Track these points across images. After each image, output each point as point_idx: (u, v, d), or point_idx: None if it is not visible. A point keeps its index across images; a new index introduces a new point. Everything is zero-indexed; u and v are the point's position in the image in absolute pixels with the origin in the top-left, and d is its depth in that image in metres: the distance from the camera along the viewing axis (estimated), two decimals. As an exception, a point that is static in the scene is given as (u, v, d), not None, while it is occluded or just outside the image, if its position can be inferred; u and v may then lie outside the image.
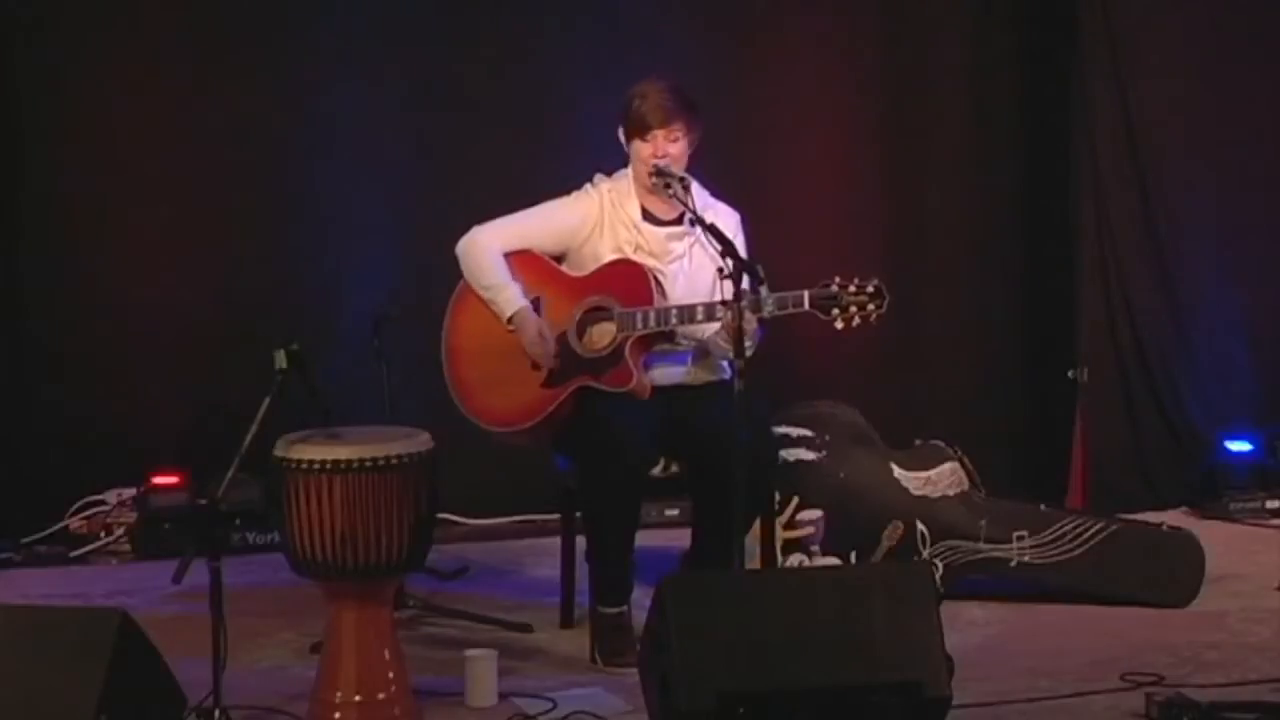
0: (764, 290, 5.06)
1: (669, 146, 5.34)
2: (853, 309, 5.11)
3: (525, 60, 6.89)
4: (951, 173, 7.22)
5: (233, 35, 6.75)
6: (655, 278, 5.31)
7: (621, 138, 5.41)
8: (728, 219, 5.40)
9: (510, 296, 5.36)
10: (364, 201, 6.85)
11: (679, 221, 5.41)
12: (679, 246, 5.42)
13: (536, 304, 5.38)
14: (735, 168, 6.54)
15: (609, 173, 5.49)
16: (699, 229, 5.19)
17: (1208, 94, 7.09)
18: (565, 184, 5.52)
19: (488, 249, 5.40)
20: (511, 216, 5.47)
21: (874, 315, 5.13)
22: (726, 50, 6.99)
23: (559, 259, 5.46)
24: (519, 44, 6.90)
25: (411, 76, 6.87)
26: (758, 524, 5.57)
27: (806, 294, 5.12)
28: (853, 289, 5.12)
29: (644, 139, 5.35)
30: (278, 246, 6.85)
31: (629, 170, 5.45)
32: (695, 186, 5.37)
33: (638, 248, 5.38)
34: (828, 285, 5.12)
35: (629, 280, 5.31)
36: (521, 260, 5.42)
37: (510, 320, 5.35)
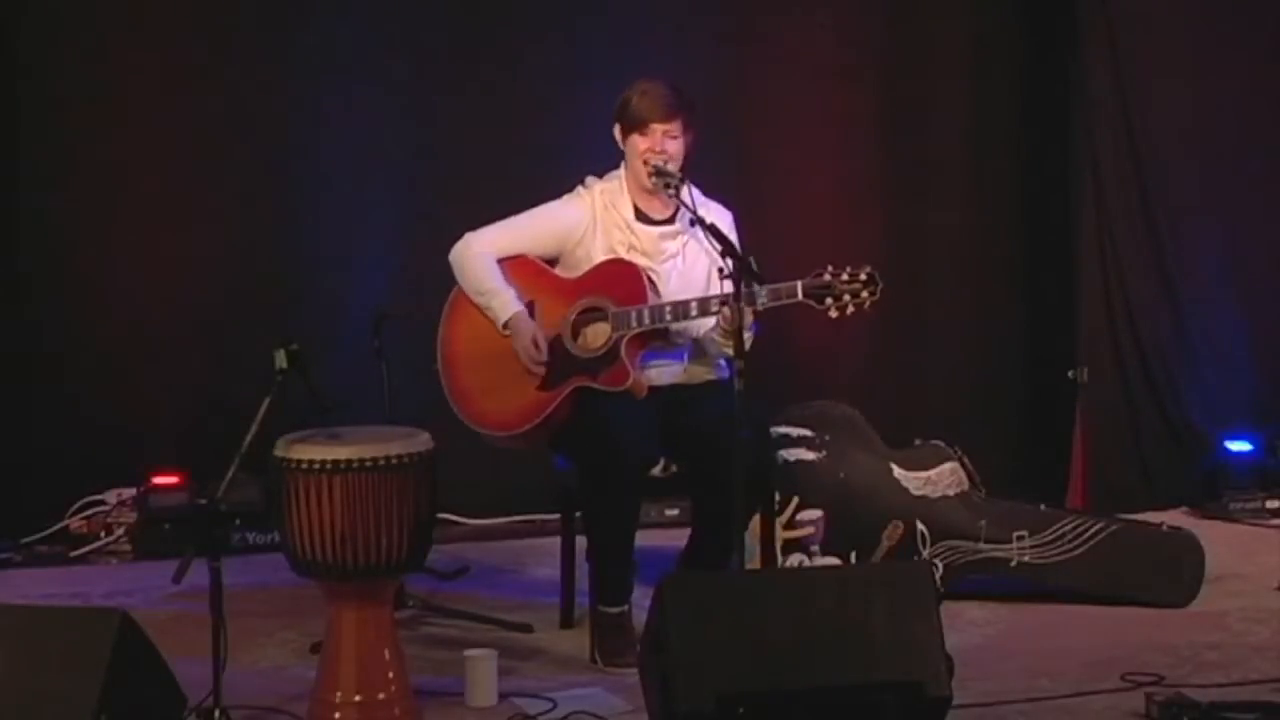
0: (756, 285, 5.06)
1: (667, 143, 5.33)
2: (846, 297, 5.11)
3: (525, 61, 6.89)
4: (951, 173, 7.22)
5: (233, 36, 6.76)
6: (649, 276, 5.31)
7: (617, 135, 5.41)
8: (720, 217, 5.39)
9: (505, 302, 5.35)
10: (364, 201, 6.85)
11: (672, 220, 5.41)
12: (672, 246, 5.42)
13: (531, 308, 5.37)
14: (735, 167, 6.55)
15: (600, 174, 5.49)
16: (696, 228, 5.18)
17: (1208, 94, 7.09)
18: (565, 185, 5.52)
19: (481, 254, 5.40)
20: (504, 222, 5.46)
21: (867, 302, 5.12)
22: (726, 49, 6.99)
23: (552, 262, 5.45)
24: (519, 45, 6.90)
25: (411, 78, 6.87)
26: (757, 524, 5.57)
27: (799, 284, 5.11)
28: (845, 277, 5.11)
29: (643, 134, 5.34)
30: (278, 246, 6.86)
31: (620, 171, 5.45)
32: (688, 186, 5.37)
33: (631, 248, 5.38)
34: (820, 274, 5.12)
35: (622, 280, 5.31)
36: (515, 264, 5.42)
37: (506, 326, 5.35)
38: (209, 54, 6.75)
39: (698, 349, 5.41)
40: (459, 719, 4.85)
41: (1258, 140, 7.16)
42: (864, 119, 7.17)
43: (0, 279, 6.65)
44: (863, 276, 5.11)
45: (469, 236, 5.44)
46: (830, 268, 5.12)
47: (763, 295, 5.09)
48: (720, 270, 4.93)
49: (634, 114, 5.35)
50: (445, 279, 5.51)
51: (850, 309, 5.13)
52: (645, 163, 5.33)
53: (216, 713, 4.47)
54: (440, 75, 6.89)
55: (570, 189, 5.49)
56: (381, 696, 4.68)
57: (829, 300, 5.11)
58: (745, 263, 4.96)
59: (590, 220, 5.40)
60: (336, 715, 4.67)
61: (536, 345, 5.30)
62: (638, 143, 5.35)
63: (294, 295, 6.79)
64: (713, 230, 5.04)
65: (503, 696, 4.91)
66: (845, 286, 5.11)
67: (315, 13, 6.82)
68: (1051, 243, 7.17)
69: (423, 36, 6.86)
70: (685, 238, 5.40)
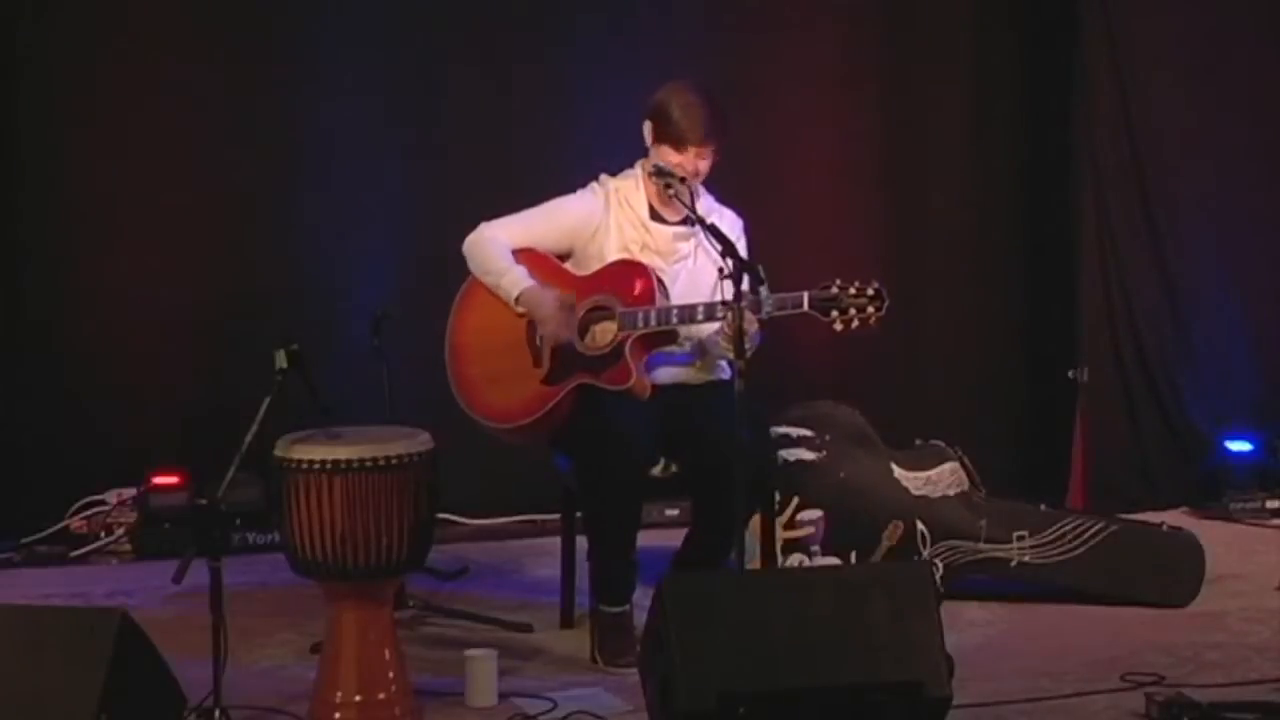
0: (764, 291, 5.05)
1: (699, 164, 5.34)
2: (852, 311, 5.09)
3: (526, 60, 6.89)
4: (951, 173, 7.22)
5: (233, 35, 6.75)
6: (658, 278, 5.31)
7: (647, 133, 5.38)
8: (732, 223, 5.41)
9: (516, 278, 5.34)
10: (364, 201, 6.85)
11: (686, 223, 5.40)
12: (685, 247, 5.41)
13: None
14: (735, 168, 6.52)
15: (614, 173, 5.48)
16: (701, 229, 5.18)
17: (1208, 93, 7.09)
18: (566, 184, 5.51)
19: (494, 240, 5.40)
20: (518, 214, 5.46)
21: (873, 318, 5.10)
22: (726, 50, 6.98)
23: (564, 257, 5.45)
24: (520, 43, 6.90)
25: (413, 77, 6.87)
26: (757, 524, 5.56)
27: (806, 295, 5.10)
28: (853, 291, 5.09)
29: (678, 150, 5.32)
30: (278, 246, 6.85)
31: (636, 170, 5.44)
32: (701, 190, 5.39)
33: (644, 246, 5.38)
34: (827, 287, 5.10)
35: (632, 280, 5.31)
36: (526, 258, 5.41)
37: (518, 300, 5.33)
38: (208, 54, 6.74)
39: (701, 351, 5.40)
40: (459, 719, 4.85)
41: (1258, 140, 7.16)
42: (864, 120, 7.17)
43: (0, 280, 6.65)
44: (870, 291, 5.09)
45: (483, 226, 5.44)
46: (838, 281, 5.10)
47: (769, 304, 5.09)
48: (720, 270, 4.93)
49: (674, 128, 5.30)
50: (446, 279, 5.52)
51: (855, 324, 5.10)
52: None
53: (216, 713, 4.47)
54: (441, 75, 6.88)
55: (575, 188, 5.49)
56: (381, 696, 4.68)
57: (834, 313, 5.09)
58: (747, 265, 4.97)
59: (604, 215, 5.40)
60: (336, 715, 4.67)
61: (563, 306, 5.26)
62: (668, 155, 5.32)
63: (294, 295, 6.78)
64: (713, 230, 5.04)
65: (503, 696, 4.90)
66: (852, 300, 5.09)
67: (315, 12, 6.82)
68: (1051, 243, 7.17)
69: (423, 36, 6.86)
70: (696, 241, 5.38)
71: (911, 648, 4.32)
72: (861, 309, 5.09)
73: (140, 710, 4.23)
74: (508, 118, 6.87)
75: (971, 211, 7.24)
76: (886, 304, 5.10)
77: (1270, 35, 7.14)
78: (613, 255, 5.37)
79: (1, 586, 6.07)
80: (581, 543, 5.42)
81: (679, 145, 5.31)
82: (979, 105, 7.22)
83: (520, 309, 5.34)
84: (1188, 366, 7.13)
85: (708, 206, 5.38)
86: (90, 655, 4.13)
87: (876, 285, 5.11)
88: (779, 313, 5.11)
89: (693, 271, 5.39)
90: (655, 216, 5.41)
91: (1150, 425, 7.08)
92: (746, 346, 4.92)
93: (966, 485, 5.79)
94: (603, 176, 5.48)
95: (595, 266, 5.38)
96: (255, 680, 5.07)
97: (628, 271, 5.33)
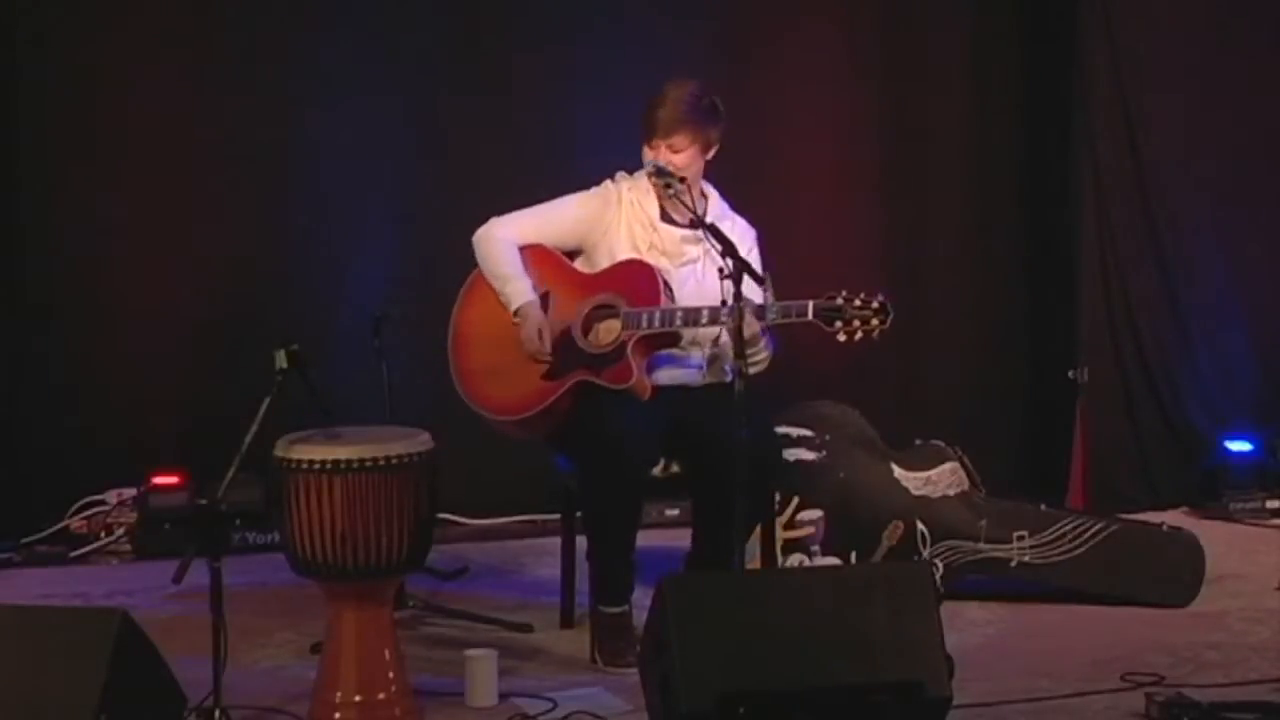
0: (769, 298, 5.05)
1: (671, 156, 5.31)
2: (856, 322, 5.08)
3: (526, 60, 6.89)
4: (951, 173, 7.23)
5: (232, 34, 6.76)
6: (664, 280, 5.30)
7: None
8: (744, 233, 5.40)
9: (519, 289, 5.35)
10: (364, 201, 6.85)
11: (694, 225, 5.39)
12: (693, 250, 5.39)
13: (545, 298, 5.37)
14: (735, 170, 6.53)
15: (630, 171, 5.48)
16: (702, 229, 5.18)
17: (1208, 94, 7.09)
18: (566, 184, 5.51)
19: (503, 239, 5.40)
20: (529, 209, 5.46)
21: (877, 330, 5.08)
22: (726, 53, 6.98)
23: (574, 254, 5.45)
24: (520, 44, 6.90)
25: (413, 76, 6.87)
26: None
27: (810, 304, 5.09)
28: (858, 303, 5.08)
29: (649, 145, 5.33)
30: (278, 246, 6.86)
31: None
32: (715, 197, 5.41)
33: (652, 246, 5.37)
34: (833, 297, 5.08)
35: (638, 279, 5.30)
36: (534, 254, 5.41)
37: (516, 313, 5.34)
38: (208, 55, 6.74)
39: (712, 360, 5.39)
40: (459, 719, 4.85)
41: (1258, 141, 7.16)
42: (865, 121, 7.17)
43: (1, 279, 6.65)
44: (875, 304, 5.07)
45: (493, 220, 5.44)
46: (844, 292, 5.08)
47: (773, 311, 5.08)
48: (720, 271, 4.93)
49: (645, 123, 5.33)
50: (446, 279, 5.52)
51: (859, 335, 5.08)
52: (647, 168, 5.33)
53: (216, 713, 4.47)
54: (441, 75, 6.88)
55: (575, 188, 5.48)
56: (381, 696, 4.68)
57: (838, 324, 5.07)
58: (747, 265, 4.96)
59: (615, 215, 5.39)
60: (336, 715, 4.67)
61: (541, 336, 5.30)
62: (645, 151, 5.34)
63: (294, 295, 6.79)
64: (713, 230, 5.04)
65: (503, 696, 4.90)
66: (856, 312, 5.08)
67: (315, 13, 6.82)
68: (1051, 243, 7.17)
69: (423, 38, 6.86)
70: (705, 245, 5.35)
71: (911, 648, 4.32)
72: (866, 321, 5.08)
73: (140, 710, 4.23)
74: (508, 117, 6.87)
75: (971, 212, 7.25)
76: (891, 317, 5.08)
77: (1270, 36, 7.14)
78: (623, 254, 5.36)
79: (1, 586, 6.07)
80: (581, 543, 5.42)
81: (647, 139, 5.33)
82: (979, 107, 7.22)
83: (516, 320, 5.34)
84: (1188, 366, 7.13)
85: (720, 213, 5.38)
86: (90, 655, 4.13)
87: (881, 298, 5.09)
88: (783, 320, 5.10)
89: (699, 275, 5.37)
90: (666, 218, 5.41)
91: (1150, 425, 7.08)
92: (762, 356, 4.93)
93: (966, 485, 5.79)
94: (619, 174, 5.46)
95: (605, 264, 5.38)
96: (255, 680, 5.07)
97: (634, 271, 5.33)
